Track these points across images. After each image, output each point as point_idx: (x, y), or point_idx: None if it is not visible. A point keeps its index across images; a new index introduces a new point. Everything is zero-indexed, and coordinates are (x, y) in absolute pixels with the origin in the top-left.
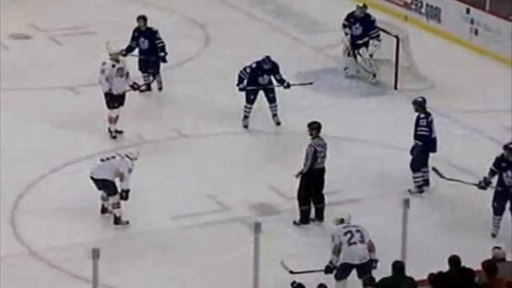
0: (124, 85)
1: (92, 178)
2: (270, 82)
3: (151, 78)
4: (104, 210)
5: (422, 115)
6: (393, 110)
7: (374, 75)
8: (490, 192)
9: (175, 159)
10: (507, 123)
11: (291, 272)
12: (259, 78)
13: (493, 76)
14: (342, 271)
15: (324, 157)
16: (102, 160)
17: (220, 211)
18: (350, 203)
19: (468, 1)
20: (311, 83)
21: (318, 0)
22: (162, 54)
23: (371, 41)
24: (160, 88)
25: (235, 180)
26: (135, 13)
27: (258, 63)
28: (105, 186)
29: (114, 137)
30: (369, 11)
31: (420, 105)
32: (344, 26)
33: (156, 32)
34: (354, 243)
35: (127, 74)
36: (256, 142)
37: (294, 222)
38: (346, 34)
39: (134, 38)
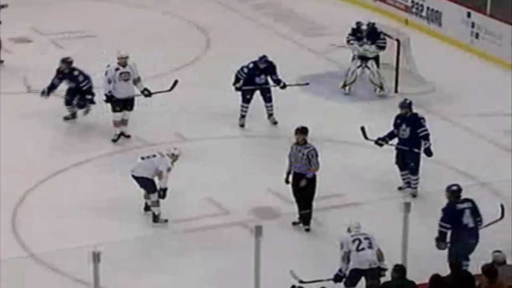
0: (128, 90)
1: (133, 176)
2: (267, 82)
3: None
4: (147, 208)
5: (420, 115)
6: (394, 114)
7: (382, 88)
8: (490, 195)
9: (176, 163)
10: (507, 126)
11: (301, 281)
12: (256, 78)
13: (493, 80)
14: (351, 278)
15: None
16: (142, 158)
17: (220, 214)
18: (350, 207)
19: (469, 5)
20: (307, 84)
21: (319, 4)
22: (89, 96)
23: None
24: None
25: (235, 184)
26: (136, 16)
27: (254, 63)
28: (144, 184)
29: (114, 140)
30: (369, 14)
31: (409, 106)
32: (348, 41)
33: (78, 76)
34: (363, 249)
35: (139, 79)
36: (256, 146)
37: (307, 230)
38: (352, 44)
39: (59, 78)
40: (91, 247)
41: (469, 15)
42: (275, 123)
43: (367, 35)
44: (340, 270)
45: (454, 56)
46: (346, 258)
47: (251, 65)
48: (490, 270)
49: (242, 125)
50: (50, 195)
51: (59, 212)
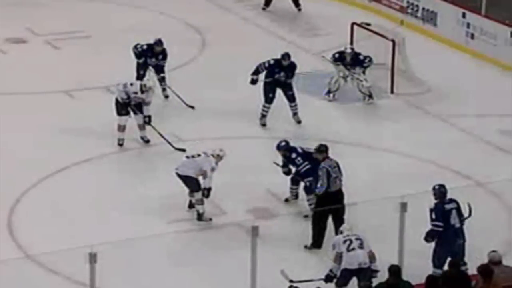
0: None
1: (177, 174)
2: (286, 78)
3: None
4: (191, 205)
5: (294, 155)
6: (389, 114)
7: (370, 96)
8: (487, 195)
9: (173, 164)
10: (503, 127)
11: (291, 281)
12: (276, 75)
13: (489, 80)
14: (342, 278)
15: (337, 177)
16: (187, 157)
17: (218, 215)
18: (347, 207)
19: (464, 6)
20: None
21: (314, 4)
22: None
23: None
24: None
25: (233, 184)
26: (133, 17)
27: (276, 60)
28: (188, 182)
29: (121, 145)
30: (365, 14)
31: (286, 149)
32: (335, 60)
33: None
34: (353, 249)
35: None
36: (253, 146)
37: (305, 246)
38: (338, 65)
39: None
40: (88, 248)
41: (464, 15)
42: (299, 122)
43: (351, 61)
44: (331, 271)
45: (450, 57)
46: (338, 259)
47: (272, 61)
48: (485, 270)
49: (263, 124)
50: (46, 196)
51: (57, 213)
